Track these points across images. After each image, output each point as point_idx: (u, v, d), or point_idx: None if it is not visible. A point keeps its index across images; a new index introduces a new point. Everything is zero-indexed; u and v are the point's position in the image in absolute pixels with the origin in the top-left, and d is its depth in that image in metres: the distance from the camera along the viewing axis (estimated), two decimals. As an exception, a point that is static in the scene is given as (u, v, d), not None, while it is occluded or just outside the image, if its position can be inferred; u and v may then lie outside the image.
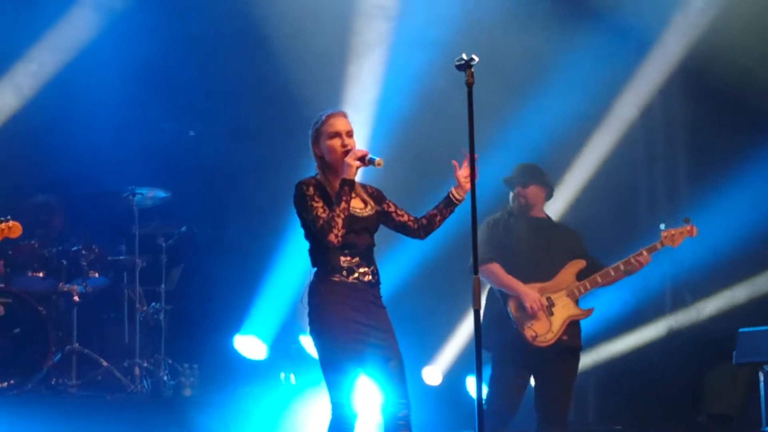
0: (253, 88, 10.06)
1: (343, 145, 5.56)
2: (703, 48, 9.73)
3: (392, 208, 5.77)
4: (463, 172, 5.58)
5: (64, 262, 9.30)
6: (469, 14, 9.78)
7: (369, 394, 5.79)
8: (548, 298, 7.01)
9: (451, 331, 9.72)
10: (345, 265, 5.50)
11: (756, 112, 9.54)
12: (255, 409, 8.46)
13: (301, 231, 5.62)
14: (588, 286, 7.08)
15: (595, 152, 9.92)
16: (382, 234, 5.78)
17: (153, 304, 9.60)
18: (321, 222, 5.41)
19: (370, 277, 5.57)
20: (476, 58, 5.25)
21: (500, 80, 9.31)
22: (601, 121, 9.99)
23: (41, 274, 9.25)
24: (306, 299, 5.56)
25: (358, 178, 5.53)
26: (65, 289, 9.19)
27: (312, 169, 5.67)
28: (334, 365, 5.39)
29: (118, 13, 9.72)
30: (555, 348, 6.98)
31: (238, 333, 9.82)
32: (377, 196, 5.76)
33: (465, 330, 9.59)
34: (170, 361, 9.43)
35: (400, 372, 5.49)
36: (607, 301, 8.34)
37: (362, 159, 5.49)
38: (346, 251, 5.50)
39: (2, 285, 8.94)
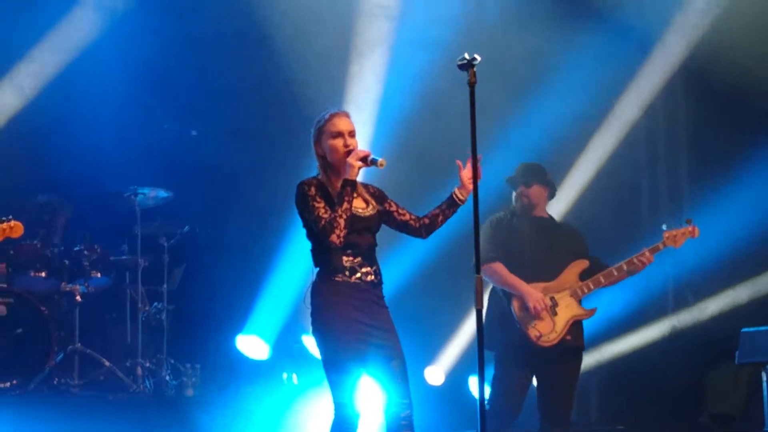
0: (254, 88, 10.06)
1: (346, 145, 5.55)
2: (705, 48, 9.72)
3: (394, 208, 5.76)
4: (467, 173, 5.56)
5: (67, 262, 9.31)
6: (470, 14, 9.78)
7: (371, 394, 5.78)
8: (552, 298, 7.02)
9: (453, 331, 9.72)
10: (347, 265, 5.50)
11: (758, 112, 9.54)
12: (257, 409, 8.46)
13: (303, 231, 5.61)
14: (591, 286, 7.08)
15: (596, 152, 9.92)
16: (385, 234, 5.78)
17: (155, 304, 9.60)
18: (323, 223, 5.40)
19: (373, 276, 5.56)
20: (479, 58, 5.25)
21: (502, 80, 9.31)
22: (602, 121, 9.99)
23: (43, 274, 9.26)
24: (308, 299, 5.55)
25: (359, 178, 5.52)
26: (67, 289, 9.20)
27: (314, 169, 5.67)
28: (336, 365, 5.38)
29: (119, 14, 9.74)
30: (558, 348, 6.98)
31: (241, 333, 9.83)
32: (379, 196, 5.76)
33: (467, 330, 9.59)
34: (172, 361, 9.43)
35: (402, 372, 5.49)
36: (609, 301, 8.33)
37: (364, 159, 5.48)
38: (348, 251, 5.50)
39: (4, 285, 8.94)
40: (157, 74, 9.79)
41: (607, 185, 9.89)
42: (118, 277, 9.68)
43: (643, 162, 10.28)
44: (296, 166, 6.75)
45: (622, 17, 9.82)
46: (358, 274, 5.51)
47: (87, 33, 9.69)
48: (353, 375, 5.40)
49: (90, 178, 9.62)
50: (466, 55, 5.26)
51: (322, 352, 5.46)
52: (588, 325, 7.20)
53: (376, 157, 5.47)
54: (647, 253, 7.04)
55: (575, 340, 7.07)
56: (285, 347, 9.69)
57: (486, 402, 5.34)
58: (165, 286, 9.62)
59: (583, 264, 7.14)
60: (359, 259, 5.53)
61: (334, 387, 5.39)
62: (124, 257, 9.66)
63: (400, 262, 9.15)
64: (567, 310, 7.03)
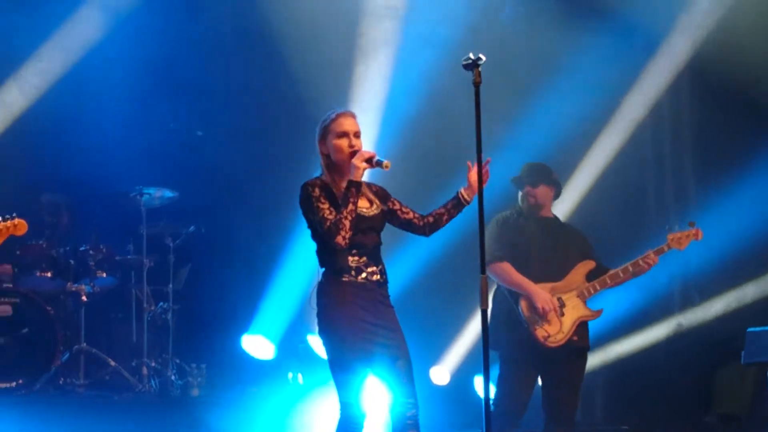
0: (260, 88, 10.07)
1: (351, 146, 5.55)
2: (710, 48, 9.71)
3: (397, 206, 5.77)
4: (475, 175, 5.54)
5: (72, 262, 9.32)
6: (475, 14, 9.77)
7: (377, 394, 5.79)
8: (559, 299, 7.02)
9: (458, 331, 9.71)
10: (353, 265, 5.50)
11: (763, 112, 9.52)
12: (263, 408, 8.46)
13: (308, 231, 5.62)
14: (598, 287, 7.08)
15: (602, 152, 9.90)
16: (390, 233, 5.78)
17: (161, 303, 9.62)
18: (328, 224, 5.41)
19: (378, 276, 5.57)
20: (483, 58, 5.26)
21: (507, 80, 9.31)
22: (608, 121, 9.98)
23: (49, 274, 9.28)
24: (314, 300, 5.56)
25: (363, 178, 5.52)
26: (73, 289, 9.21)
27: (319, 169, 5.67)
28: (342, 365, 5.39)
29: (126, 14, 9.74)
30: (564, 348, 6.98)
31: (246, 333, 9.83)
32: (382, 195, 5.76)
33: (473, 329, 9.58)
34: (178, 361, 9.44)
35: (408, 371, 5.49)
36: (615, 301, 8.32)
37: (370, 161, 5.48)
38: (354, 251, 5.50)
39: (10, 285, 8.97)
40: (163, 74, 9.80)
41: (612, 185, 9.88)
42: (124, 277, 9.70)
43: (648, 161, 10.26)
44: (302, 166, 6.75)
45: (628, 17, 9.81)
46: (364, 274, 5.52)
47: (93, 33, 9.70)
48: (359, 375, 5.41)
49: (96, 178, 9.62)
50: (471, 55, 5.27)
51: (328, 352, 5.47)
52: (593, 325, 7.20)
53: (382, 159, 5.48)
54: (652, 255, 7.06)
55: (581, 341, 7.08)
56: (290, 347, 9.69)
57: (491, 402, 5.34)
58: (170, 285, 9.63)
59: (589, 265, 7.15)
60: (365, 258, 5.53)
61: (340, 387, 5.40)
62: (129, 257, 9.67)
63: (405, 261, 9.15)
64: (574, 310, 7.03)
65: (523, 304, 6.97)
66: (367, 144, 5.68)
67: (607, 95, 9.90)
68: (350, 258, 5.49)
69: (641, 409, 9.65)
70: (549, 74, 9.78)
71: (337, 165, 5.59)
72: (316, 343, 9.14)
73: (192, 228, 9.71)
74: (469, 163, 5.62)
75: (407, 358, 5.51)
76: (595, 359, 9.21)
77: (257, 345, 9.80)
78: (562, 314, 6.99)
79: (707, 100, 9.86)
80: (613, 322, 9.07)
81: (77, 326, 9.19)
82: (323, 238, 5.46)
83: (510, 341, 7.00)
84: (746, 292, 9.58)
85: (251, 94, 10.07)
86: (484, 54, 5.26)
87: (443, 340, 9.76)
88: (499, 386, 7.09)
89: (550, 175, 7.27)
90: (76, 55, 9.63)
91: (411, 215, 5.77)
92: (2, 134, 9.58)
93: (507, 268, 7.01)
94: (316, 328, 5.57)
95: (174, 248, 9.67)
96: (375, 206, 5.65)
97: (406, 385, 5.47)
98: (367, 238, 5.56)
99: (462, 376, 9.58)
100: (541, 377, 7.15)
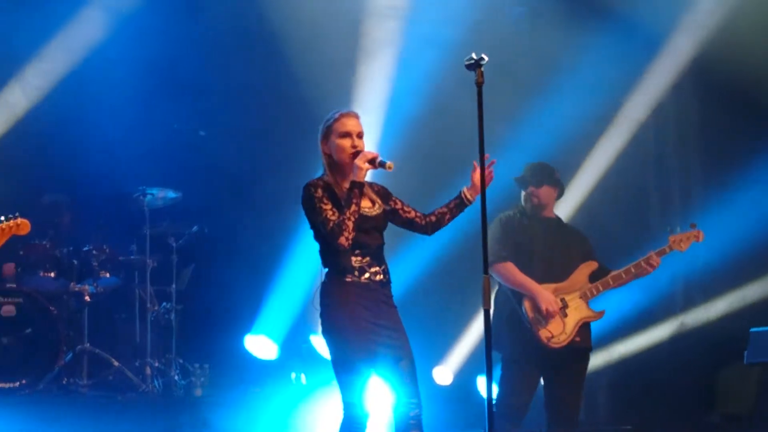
0: (263, 89, 10.07)
1: (353, 146, 5.55)
2: (713, 47, 9.70)
3: (399, 205, 5.77)
4: (479, 175, 5.53)
5: (75, 262, 9.33)
6: (478, 14, 9.77)
7: (380, 394, 5.79)
8: (562, 299, 7.02)
9: (461, 331, 9.71)
10: (356, 265, 5.50)
11: (766, 111, 9.51)
12: (266, 409, 8.46)
13: (311, 231, 5.62)
14: (600, 288, 7.09)
15: (605, 152, 9.90)
16: (393, 234, 5.78)
17: (164, 303, 9.62)
18: (331, 225, 5.41)
19: (382, 276, 5.57)
20: (486, 58, 5.25)
21: (510, 80, 9.31)
22: (611, 121, 9.97)
23: (52, 274, 9.29)
24: (317, 300, 5.56)
25: (365, 178, 5.52)
26: (76, 289, 9.22)
27: (321, 169, 5.66)
28: (346, 365, 5.39)
29: (128, 14, 9.74)
30: (567, 349, 6.98)
31: (249, 333, 9.84)
32: (384, 194, 5.76)
33: (475, 330, 9.58)
34: (181, 361, 9.45)
35: (411, 372, 5.49)
36: (617, 301, 8.32)
37: (372, 162, 5.48)
38: (357, 251, 5.50)
39: (14, 285, 8.98)
40: (166, 75, 9.81)
41: (615, 185, 9.87)
42: (127, 277, 9.71)
43: (651, 161, 10.25)
44: (304, 167, 6.74)
45: (631, 17, 9.80)
46: (367, 274, 5.52)
47: (95, 33, 9.70)
48: (363, 375, 5.41)
49: (99, 179, 9.64)
50: (474, 55, 5.27)
51: (331, 353, 5.47)
52: (596, 325, 7.20)
53: (385, 160, 5.47)
54: (654, 256, 7.06)
55: (584, 342, 7.08)
56: (293, 347, 9.69)
57: (494, 402, 5.34)
58: (174, 286, 9.64)
59: (592, 265, 7.15)
60: (368, 258, 5.54)
61: (344, 387, 5.40)
62: (133, 257, 9.67)
63: (408, 262, 9.15)
64: (577, 311, 7.03)
65: (526, 305, 6.97)
66: (370, 144, 5.67)
67: (610, 95, 9.90)
68: (353, 258, 5.50)
69: (644, 409, 9.64)
70: (551, 74, 9.77)
71: (340, 165, 5.59)
72: (319, 343, 9.14)
73: (195, 228, 9.72)
74: (475, 163, 5.62)
75: (410, 358, 5.51)
76: (598, 359, 9.20)
77: (260, 345, 9.81)
78: (566, 315, 7.00)
79: (710, 100, 9.85)
80: (616, 322, 9.06)
81: (80, 326, 9.20)
82: (326, 239, 5.46)
83: (512, 342, 7.00)
84: (749, 292, 9.57)
85: (254, 94, 10.08)
86: (486, 54, 5.26)
87: (446, 341, 9.76)
88: (501, 386, 7.09)
89: (553, 176, 7.26)
90: (78, 55, 9.64)
91: (413, 214, 5.77)
92: (5, 135, 9.59)
93: (510, 268, 7.01)
94: (319, 329, 5.58)
95: (177, 248, 9.68)
96: (377, 206, 5.65)
97: (409, 385, 5.48)
98: (370, 237, 5.56)
99: (465, 377, 9.58)
100: (544, 378, 7.16)
